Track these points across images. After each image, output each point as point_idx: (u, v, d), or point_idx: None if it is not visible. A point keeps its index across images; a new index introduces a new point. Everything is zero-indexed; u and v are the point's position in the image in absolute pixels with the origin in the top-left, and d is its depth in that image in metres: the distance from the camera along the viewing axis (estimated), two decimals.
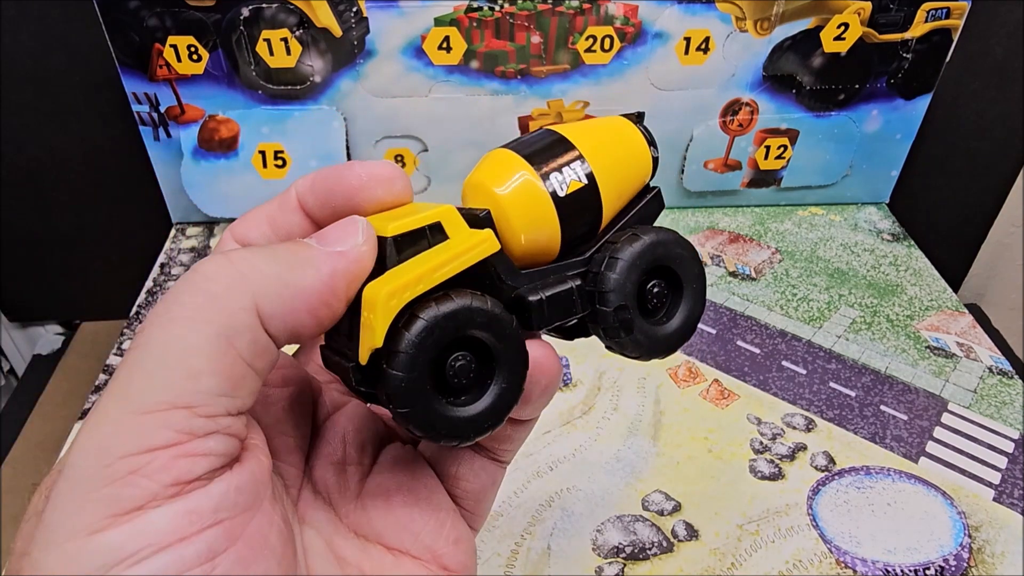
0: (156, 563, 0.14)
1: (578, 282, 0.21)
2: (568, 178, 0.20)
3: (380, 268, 0.19)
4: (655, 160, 0.23)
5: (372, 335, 0.18)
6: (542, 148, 0.21)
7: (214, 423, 0.15)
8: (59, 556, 0.14)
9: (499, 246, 0.20)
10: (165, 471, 0.14)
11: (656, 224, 0.23)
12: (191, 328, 0.15)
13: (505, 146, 0.21)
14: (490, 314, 0.19)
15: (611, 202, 0.21)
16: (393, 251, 0.19)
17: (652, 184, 0.23)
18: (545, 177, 0.20)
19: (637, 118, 0.23)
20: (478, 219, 0.20)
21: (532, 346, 0.20)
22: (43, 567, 0.14)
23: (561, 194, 0.20)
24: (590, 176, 0.21)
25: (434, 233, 0.19)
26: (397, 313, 0.18)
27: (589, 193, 0.21)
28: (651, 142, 0.23)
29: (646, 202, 0.23)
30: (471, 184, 0.21)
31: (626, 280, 0.20)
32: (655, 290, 0.21)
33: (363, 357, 0.18)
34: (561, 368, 0.21)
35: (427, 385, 0.18)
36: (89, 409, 0.44)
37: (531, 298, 0.20)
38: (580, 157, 0.21)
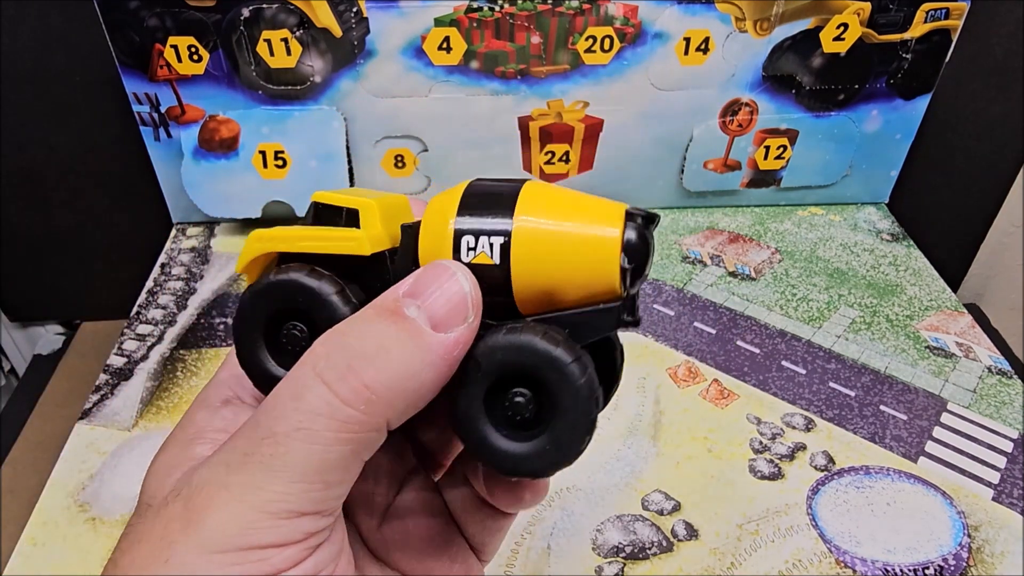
0: None
1: None
2: (481, 248, 0.19)
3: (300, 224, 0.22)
4: (627, 273, 0.19)
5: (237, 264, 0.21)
6: (484, 201, 0.19)
7: (332, 517, 0.18)
8: None
9: (367, 251, 0.20)
10: (289, 560, 0.17)
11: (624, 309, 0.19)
12: (330, 449, 0.17)
13: (478, 179, 0.20)
14: (317, 296, 0.19)
15: (531, 295, 0.19)
16: (311, 214, 0.21)
17: (627, 299, 0.19)
18: (459, 234, 0.19)
19: (642, 219, 0.19)
20: (407, 227, 0.21)
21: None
22: None
23: (464, 260, 0.19)
24: (505, 258, 0.19)
25: (349, 217, 0.20)
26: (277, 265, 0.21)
27: (497, 274, 0.19)
28: (633, 249, 0.19)
29: (588, 311, 0.19)
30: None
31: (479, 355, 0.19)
32: (516, 400, 0.19)
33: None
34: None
35: (258, 337, 0.20)
36: (90, 409, 0.44)
37: None
38: (507, 234, 0.19)
